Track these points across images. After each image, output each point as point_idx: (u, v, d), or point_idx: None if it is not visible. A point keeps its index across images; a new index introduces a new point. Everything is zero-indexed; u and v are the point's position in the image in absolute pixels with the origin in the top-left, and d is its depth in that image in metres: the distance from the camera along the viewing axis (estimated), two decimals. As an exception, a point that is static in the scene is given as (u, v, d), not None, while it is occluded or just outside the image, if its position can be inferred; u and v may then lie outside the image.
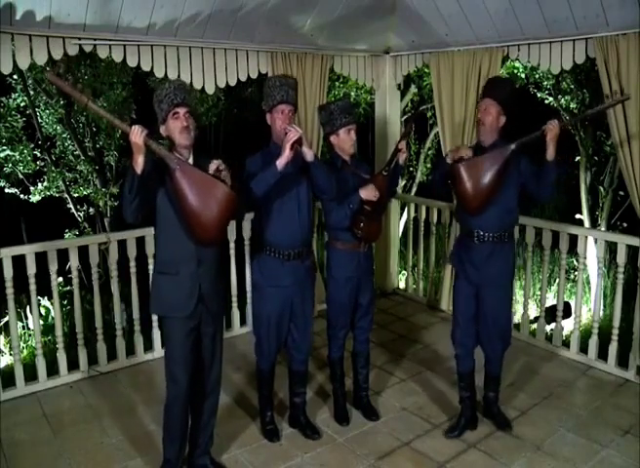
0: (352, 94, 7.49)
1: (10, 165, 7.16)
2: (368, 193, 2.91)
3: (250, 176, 2.70)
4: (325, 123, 3.02)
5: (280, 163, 2.58)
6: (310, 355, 3.17)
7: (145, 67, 3.73)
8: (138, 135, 2.26)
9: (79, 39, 3.42)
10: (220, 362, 2.74)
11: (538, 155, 2.81)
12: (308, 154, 2.67)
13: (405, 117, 7.77)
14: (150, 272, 3.86)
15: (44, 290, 4.08)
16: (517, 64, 6.64)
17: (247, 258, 4.29)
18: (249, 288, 4.36)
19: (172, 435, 2.66)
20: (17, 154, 7.09)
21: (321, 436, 3.14)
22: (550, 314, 4.58)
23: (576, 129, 7.15)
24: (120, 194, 2.37)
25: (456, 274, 3.16)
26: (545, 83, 7.22)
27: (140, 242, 3.90)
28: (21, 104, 7.19)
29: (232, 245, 4.32)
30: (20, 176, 7.34)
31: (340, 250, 3.09)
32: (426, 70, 6.37)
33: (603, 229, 7.24)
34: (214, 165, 2.41)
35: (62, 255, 3.67)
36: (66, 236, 7.22)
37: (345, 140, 2.98)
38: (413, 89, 7.59)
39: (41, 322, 5.29)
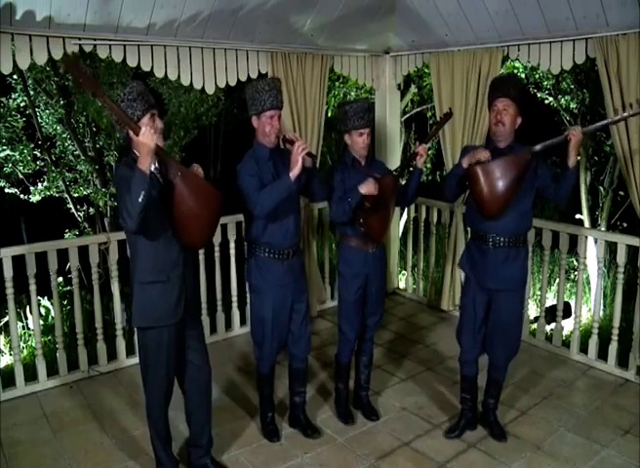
0: (352, 93, 7.50)
1: (10, 165, 7.17)
2: (367, 188, 2.88)
3: (251, 183, 2.72)
4: (340, 121, 3.04)
5: (293, 175, 2.65)
6: (310, 353, 3.16)
7: (145, 67, 3.73)
8: (150, 136, 2.18)
9: (79, 39, 3.42)
10: (209, 362, 2.74)
11: (551, 158, 2.78)
12: (307, 161, 2.75)
13: (405, 117, 7.79)
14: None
15: (44, 290, 4.08)
16: (517, 64, 6.64)
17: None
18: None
19: (160, 438, 2.67)
20: (17, 154, 7.11)
21: (322, 435, 3.15)
22: (550, 314, 4.58)
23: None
24: (124, 202, 2.20)
25: (466, 280, 3.08)
26: (545, 83, 7.23)
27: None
28: (21, 104, 7.19)
29: (232, 244, 4.33)
30: (20, 176, 7.35)
31: (349, 247, 3.09)
32: (426, 70, 6.37)
33: (603, 229, 7.25)
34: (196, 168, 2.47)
35: (62, 255, 3.67)
36: (66, 236, 7.23)
37: (357, 142, 2.98)
38: (413, 89, 7.60)
39: (41, 322, 5.29)
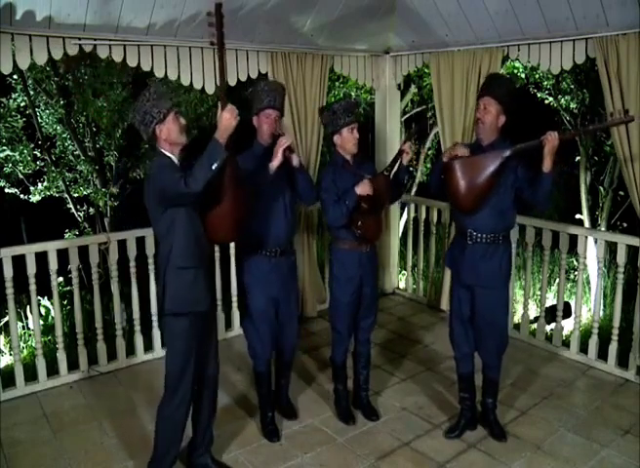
0: (352, 94, 7.50)
1: (10, 165, 7.17)
2: (363, 189, 2.90)
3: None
4: (328, 123, 3.05)
5: (273, 166, 2.79)
6: (305, 351, 3.19)
7: (145, 67, 3.73)
8: (234, 114, 2.30)
9: (79, 39, 3.42)
10: (218, 359, 2.77)
11: (537, 161, 2.77)
12: (295, 160, 2.88)
13: (405, 117, 7.80)
14: (151, 272, 3.89)
15: (44, 290, 4.08)
16: (517, 64, 6.65)
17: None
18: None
19: (175, 435, 2.61)
20: (17, 154, 7.10)
21: (297, 417, 3.28)
22: (550, 314, 4.58)
23: (576, 129, 7.16)
24: (194, 171, 2.28)
25: (451, 276, 3.13)
26: (545, 83, 7.23)
27: (140, 242, 3.89)
28: (21, 104, 7.19)
29: (232, 244, 4.32)
30: (20, 176, 7.35)
31: (343, 249, 3.09)
32: (426, 70, 6.38)
33: (603, 229, 7.25)
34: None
35: (62, 255, 3.67)
36: (66, 236, 7.23)
37: (349, 139, 2.99)
38: (413, 89, 7.60)
39: (41, 322, 5.29)
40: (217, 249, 4.23)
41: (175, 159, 2.45)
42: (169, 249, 2.46)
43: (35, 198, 7.27)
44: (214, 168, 2.25)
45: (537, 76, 7.03)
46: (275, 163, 2.78)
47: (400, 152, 3.04)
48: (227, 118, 2.30)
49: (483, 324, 2.97)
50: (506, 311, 3.08)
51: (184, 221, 2.43)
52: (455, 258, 3.01)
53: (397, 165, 3.07)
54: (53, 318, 4.71)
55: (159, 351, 4.02)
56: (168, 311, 2.49)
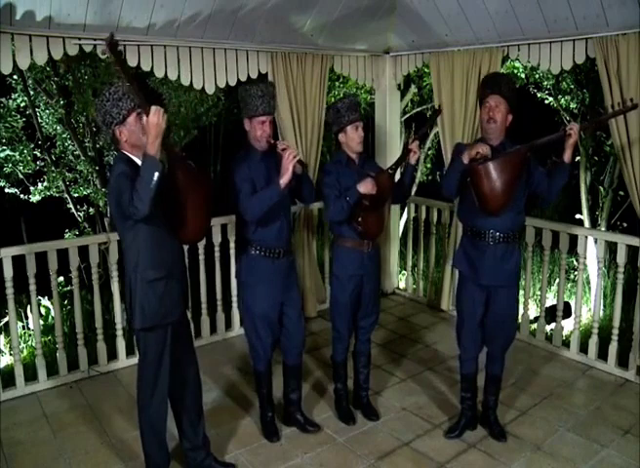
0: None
1: (10, 165, 7.16)
2: (366, 187, 2.89)
3: (243, 188, 2.77)
4: (332, 121, 3.04)
5: (283, 182, 2.69)
6: (305, 351, 3.17)
7: (145, 67, 3.73)
8: (161, 115, 2.12)
9: (79, 39, 3.42)
10: (197, 359, 2.74)
11: (544, 156, 2.79)
12: (297, 167, 2.81)
13: (405, 117, 7.79)
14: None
15: (44, 290, 4.08)
16: (517, 64, 6.65)
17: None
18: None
19: (161, 437, 2.61)
20: (17, 154, 7.10)
21: (321, 429, 3.17)
22: (550, 314, 4.58)
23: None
24: (135, 190, 2.15)
25: (462, 279, 3.06)
26: (545, 83, 7.23)
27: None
28: (21, 104, 7.19)
29: (232, 244, 4.33)
30: (20, 176, 7.35)
31: (344, 248, 3.09)
32: (426, 70, 6.37)
33: (603, 229, 7.24)
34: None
35: (62, 255, 3.67)
36: (66, 236, 7.23)
37: (353, 137, 2.99)
38: (413, 89, 7.60)
39: (41, 322, 5.29)
40: (216, 249, 4.24)
41: (138, 161, 2.32)
42: (136, 258, 2.38)
43: (35, 198, 7.26)
44: (152, 186, 2.11)
45: (537, 76, 7.03)
46: (286, 179, 2.68)
47: (408, 151, 3.01)
48: (156, 123, 2.11)
49: (498, 321, 2.98)
50: (518, 307, 3.13)
51: (148, 229, 2.34)
52: (471, 260, 2.95)
53: (403, 164, 3.06)
54: (53, 318, 4.71)
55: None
56: (139, 326, 2.41)
